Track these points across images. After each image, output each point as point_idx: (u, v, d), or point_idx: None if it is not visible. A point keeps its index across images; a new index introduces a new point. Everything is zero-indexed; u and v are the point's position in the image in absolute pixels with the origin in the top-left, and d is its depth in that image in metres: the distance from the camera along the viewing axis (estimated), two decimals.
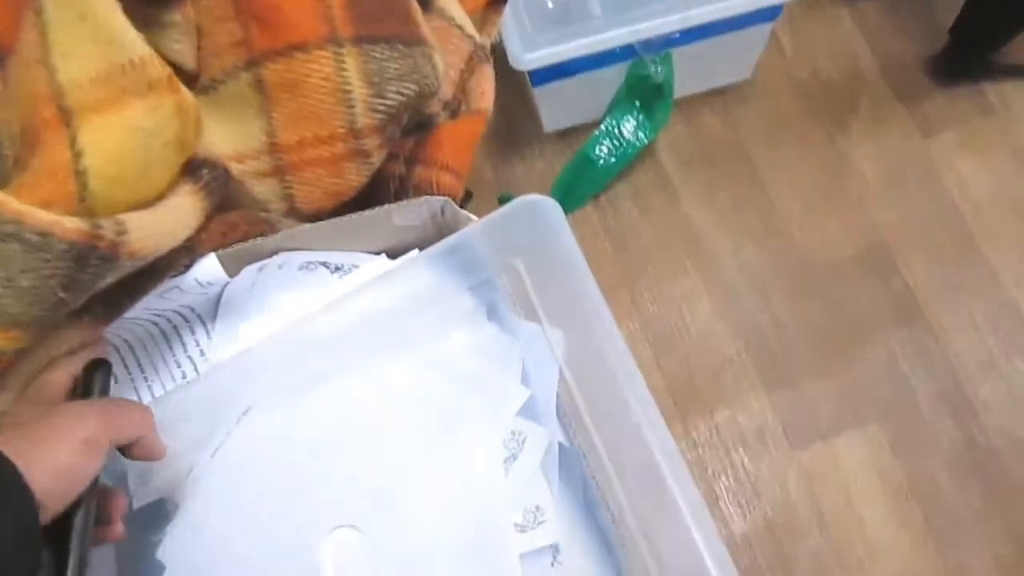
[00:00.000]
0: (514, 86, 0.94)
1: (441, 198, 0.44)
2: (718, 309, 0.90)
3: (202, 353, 0.48)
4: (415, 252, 0.46)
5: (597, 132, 0.89)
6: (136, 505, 0.45)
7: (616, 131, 0.89)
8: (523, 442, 0.41)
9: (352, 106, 0.46)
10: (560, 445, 0.41)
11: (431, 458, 0.42)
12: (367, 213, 0.43)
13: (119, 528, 0.38)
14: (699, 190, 0.94)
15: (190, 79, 0.49)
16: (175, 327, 0.46)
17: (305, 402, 0.44)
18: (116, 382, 0.47)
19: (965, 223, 0.91)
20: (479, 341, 0.43)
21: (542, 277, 0.42)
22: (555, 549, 0.40)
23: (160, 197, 0.41)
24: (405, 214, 0.44)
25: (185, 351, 0.48)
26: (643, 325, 0.90)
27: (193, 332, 0.47)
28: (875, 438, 0.86)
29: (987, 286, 0.89)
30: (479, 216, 0.44)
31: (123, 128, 0.40)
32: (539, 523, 0.40)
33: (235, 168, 0.47)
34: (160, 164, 0.43)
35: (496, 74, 0.80)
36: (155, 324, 0.45)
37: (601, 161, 0.90)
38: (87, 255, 0.36)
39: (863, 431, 0.86)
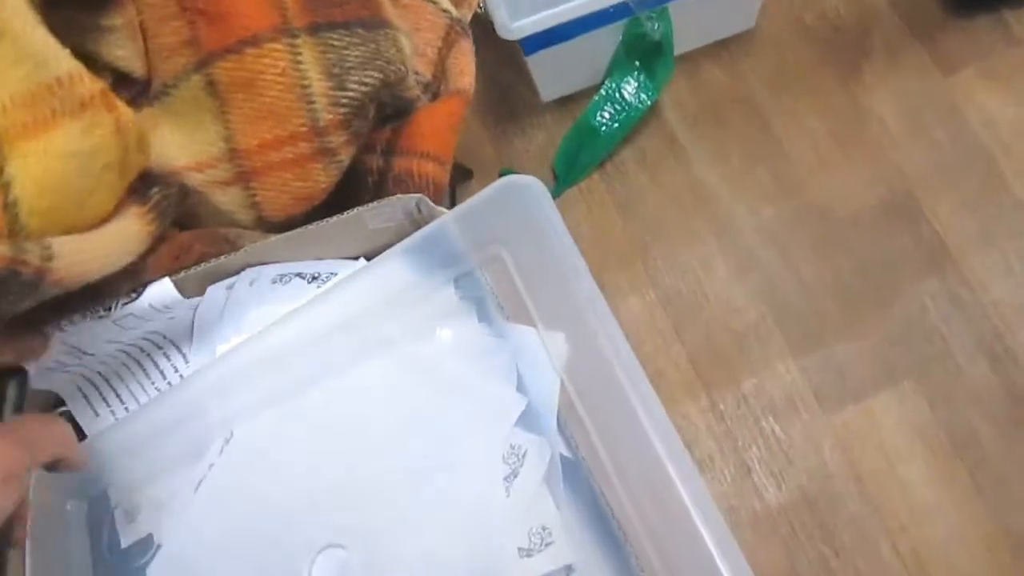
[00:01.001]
0: (507, 56, 0.90)
1: (415, 195, 0.41)
2: (737, 273, 0.86)
3: (182, 379, 0.45)
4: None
5: (597, 97, 0.85)
6: (124, 544, 0.42)
7: (617, 95, 0.85)
8: (523, 456, 0.38)
9: (312, 102, 0.43)
10: (563, 458, 0.38)
11: (423, 477, 0.39)
12: (335, 219, 0.40)
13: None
14: (708, 149, 0.89)
15: (142, 87, 0.45)
16: (148, 355, 0.43)
17: (287, 420, 0.41)
18: (97, 416, 0.45)
19: (994, 162, 0.86)
20: (467, 342, 0.40)
21: (531, 268, 0.39)
22: (569, 570, 0.37)
23: (104, 222, 0.38)
24: (377, 216, 0.41)
25: (164, 378, 0.45)
26: (659, 296, 0.86)
27: (169, 359, 0.44)
28: (911, 396, 0.81)
29: (1020, 227, 0.83)
30: None
31: (56, 153, 0.36)
32: (546, 545, 0.36)
33: (196, 179, 0.44)
34: (101, 189, 0.39)
35: (486, 45, 0.76)
36: (126, 354, 0.42)
37: (604, 128, 0.86)
38: (8, 281, 0.33)
39: (898, 390, 0.82)
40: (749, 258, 0.86)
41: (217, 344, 0.43)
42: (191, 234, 0.43)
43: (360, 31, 0.43)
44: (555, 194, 0.88)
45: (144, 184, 0.42)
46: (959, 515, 0.79)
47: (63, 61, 0.37)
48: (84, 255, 0.36)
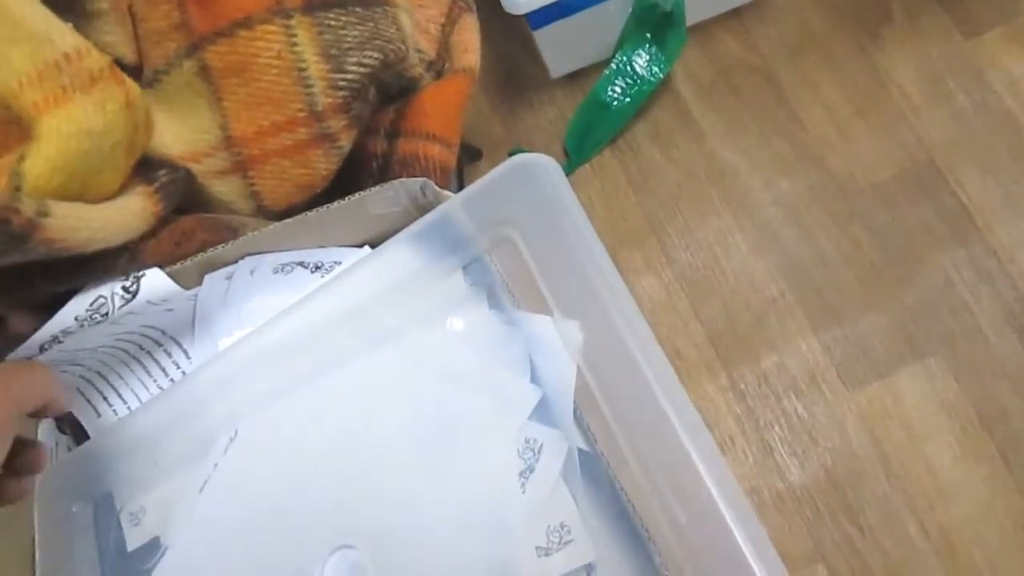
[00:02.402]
0: (514, 31, 0.87)
1: (419, 179, 0.39)
2: (755, 248, 0.84)
3: (184, 374, 0.44)
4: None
5: (607, 72, 0.83)
6: (130, 547, 0.41)
7: (628, 68, 0.83)
8: (539, 451, 0.36)
9: (310, 85, 0.41)
10: (580, 451, 0.36)
11: (435, 473, 0.37)
12: (336, 205, 0.38)
13: (25, 486, 0.35)
14: (723, 122, 0.87)
15: (133, 75, 0.43)
16: (147, 351, 0.42)
17: (294, 417, 0.39)
18: (100, 416, 0.43)
19: (1020, 128, 0.83)
20: (478, 332, 0.38)
21: (545, 252, 0.37)
22: (590, 568, 0.35)
23: (108, 200, 0.36)
24: (380, 201, 0.39)
25: (166, 375, 0.44)
26: (676, 274, 0.84)
27: (170, 354, 0.43)
28: (937, 371, 0.79)
29: None
30: None
31: (70, 133, 0.35)
32: (565, 543, 0.35)
33: (192, 169, 0.42)
34: (109, 169, 0.37)
35: (493, 20, 0.74)
36: (125, 351, 0.41)
37: (615, 102, 0.84)
38: None
39: (923, 364, 0.80)
40: (767, 233, 0.84)
41: (219, 338, 0.42)
42: (194, 219, 0.41)
43: (357, 9, 0.41)
44: (567, 172, 0.86)
45: (151, 166, 0.40)
46: (988, 492, 0.77)
47: (67, 36, 0.35)
48: (81, 221, 0.34)
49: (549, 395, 0.36)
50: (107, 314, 0.36)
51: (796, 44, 0.88)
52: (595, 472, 0.37)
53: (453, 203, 0.37)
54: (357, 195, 0.39)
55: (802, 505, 0.78)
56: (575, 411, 0.36)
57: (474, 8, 0.53)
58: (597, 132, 0.85)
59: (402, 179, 0.39)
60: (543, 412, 0.37)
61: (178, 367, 0.43)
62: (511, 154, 0.84)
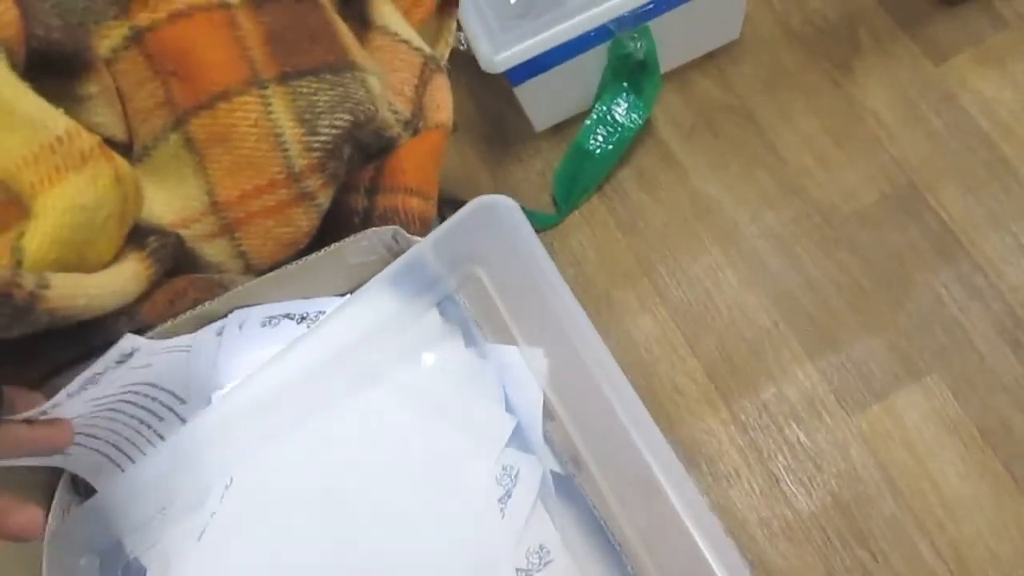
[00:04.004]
0: (498, 87, 0.91)
1: (391, 227, 0.41)
2: (746, 281, 0.86)
3: (183, 422, 0.46)
4: None
5: (589, 122, 0.86)
6: None
7: (608, 117, 0.86)
8: (516, 476, 0.38)
9: (286, 149, 0.44)
10: (554, 473, 0.38)
11: (423, 505, 0.39)
12: (314, 256, 0.41)
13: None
14: (706, 161, 0.89)
15: (123, 151, 0.47)
16: (140, 405, 0.44)
17: (285, 461, 0.41)
18: (105, 471, 0.45)
19: (996, 146, 0.85)
20: (454, 366, 0.40)
21: (508, 285, 0.39)
22: None
23: (104, 268, 0.39)
24: (357, 251, 0.41)
25: (162, 422, 0.46)
26: (670, 311, 0.86)
27: (160, 400, 0.45)
28: (935, 389, 0.80)
29: None
30: None
31: (64, 207, 0.38)
32: (545, 564, 0.36)
33: (183, 234, 0.45)
34: (103, 239, 0.40)
35: (476, 78, 0.78)
36: (114, 409, 0.43)
37: (598, 150, 0.86)
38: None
39: (921, 384, 0.80)
40: (756, 265, 0.86)
41: (213, 392, 0.44)
42: (186, 280, 0.44)
43: (328, 76, 0.44)
44: (557, 220, 0.89)
45: (142, 234, 0.43)
46: (997, 507, 0.77)
47: (59, 120, 0.38)
48: (79, 289, 0.37)
49: (521, 421, 0.38)
50: (98, 382, 0.38)
51: (770, 81, 0.91)
52: (570, 492, 0.38)
53: (423, 246, 0.39)
54: (334, 245, 0.42)
55: (812, 533, 0.79)
56: (545, 434, 0.38)
57: (444, 69, 0.56)
58: (583, 180, 0.88)
59: (375, 228, 0.42)
60: (518, 438, 0.38)
61: (171, 410, 0.44)
62: None
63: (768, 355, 0.83)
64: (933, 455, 0.79)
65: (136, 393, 0.42)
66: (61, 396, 0.36)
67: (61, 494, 0.45)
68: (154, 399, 0.43)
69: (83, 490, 0.46)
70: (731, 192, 0.88)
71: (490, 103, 0.95)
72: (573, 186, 0.88)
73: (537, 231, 0.86)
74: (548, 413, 0.38)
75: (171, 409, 0.44)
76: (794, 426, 0.81)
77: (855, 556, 0.77)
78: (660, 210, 0.89)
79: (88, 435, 0.41)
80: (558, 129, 0.92)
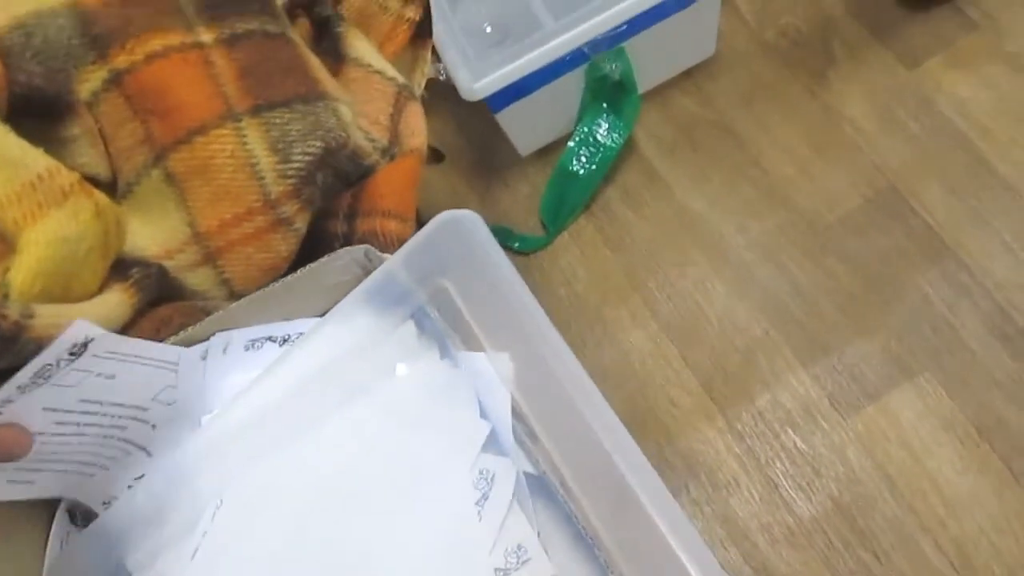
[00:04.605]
0: (482, 114, 0.92)
1: (362, 246, 0.43)
2: (735, 291, 0.87)
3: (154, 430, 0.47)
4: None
5: (571, 144, 0.88)
6: None
7: (590, 138, 0.88)
8: (492, 479, 0.39)
9: (262, 177, 0.45)
10: (528, 474, 0.39)
11: (405, 512, 0.40)
12: (290, 277, 0.42)
13: None
14: (689, 176, 0.91)
15: (108, 189, 0.49)
16: (116, 427, 0.45)
17: (273, 480, 0.42)
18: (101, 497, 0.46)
19: (973, 145, 0.86)
20: (429, 376, 0.42)
21: (473, 295, 0.41)
22: None
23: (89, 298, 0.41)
24: (332, 271, 0.43)
25: (132, 444, 0.46)
26: (662, 325, 0.87)
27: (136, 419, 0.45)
28: (928, 388, 0.81)
29: (1010, 203, 0.84)
30: None
31: (47, 241, 0.40)
32: (523, 562, 0.37)
33: (167, 265, 0.47)
34: (86, 271, 0.42)
35: (460, 107, 0.80)
36: (85, 435, 0.43)
37: (582, 171, 0.88)
38: None
39: (913, 383, 0.81)
40: (744, 275, 0.87)
41: (201, 415, 0.45)
42: (170, 307, 0.46)
43: (299, 106, 0.46)
44: (546, 242, 0.90)
45: (125, 265, 0.45)
46: (998, 502, 0.77)
47: (40, 159, 0.40)
48: (63, 318, 0.38)
49: (495, 426, 0.40)
50: (50, 376, 0.38)
51: (748, 95, 0.93)
52: (544, 491, 0.39)
53: (393, 262, 0.41)
54: (309, 266, 0.43)
55: (814, 537, 0.79)
56: (521, 437, 0.39)
57: (417, 96, 0.58)
58: (569, 201, 0.89)
59: (347, 248, 0.43)
60: (494, 442, 0.40)
61: (136, 419, 0.45)
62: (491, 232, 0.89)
63: (761, 363, 0.84)
64: (930, 454, 0.79)
65: (102, 415, 0.42)
66: (10, 389, 0.36)
67: (58, 524, 0.46)
68: (121, 416, 0.43)
69: (80, 519, 0.47)
70: (716, 205, 0.90)
71: (476, 132, 0.98)
72: (560, 208, 0.89)
73: (527, 253, 0.90)
74: (518, 415, 0.39)
75: (136, 419, 0.44)
76: (790, 432, 0.82)
77: (858, 558, 0.78)
78: (647, 226, 0.90)
79: (54, 460, 0.42)
80: (543, 153, 0.94)
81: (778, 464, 0.81)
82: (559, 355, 0.37)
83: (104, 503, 0.44)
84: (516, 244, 0.89)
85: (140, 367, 0.41)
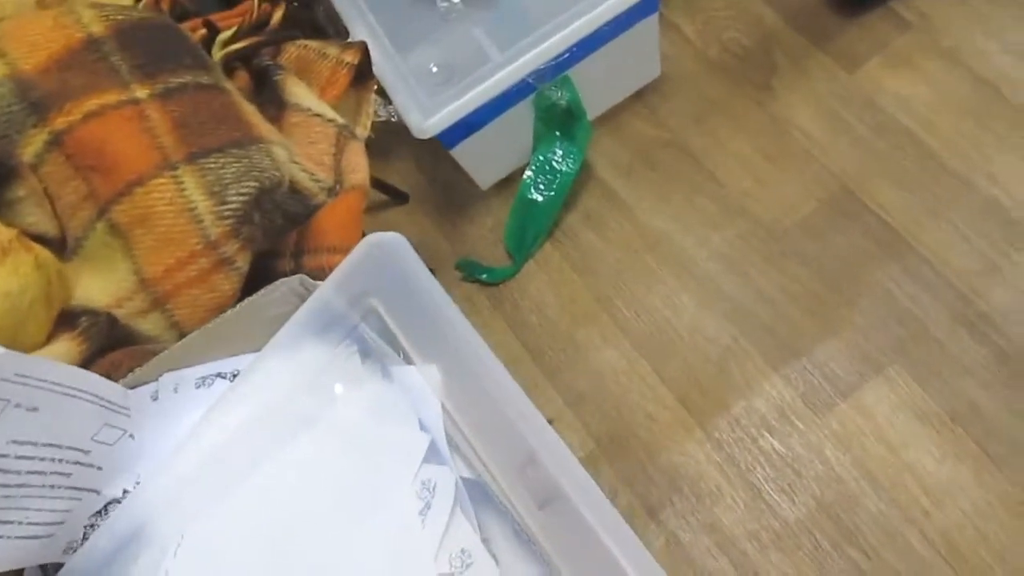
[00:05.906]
0: (442, 156, 0.95)
1: (296, 276, 0.45)
2: (702, 303, 0.88)
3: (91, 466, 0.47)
4: None
5: (529, 173, 0.90)
6: None
7: (547, 166, 0.90)
8: (434, 488, 0.40)
9: (201, 221, 0.47)
10: (465, 479, 0.40)
11: (355, 532, 0.41)
12: (230, 312, 0.44)
13: None
14: (648, 195, 0.93)
15: (57, 247, 0.50)
16: (58, 473, 0.45)
17: (231, 513, 0.43)
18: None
19: (920, 141, 0.88)
20: (369, 395, 0.43)
21: (400, 311, 0.42)
22: None
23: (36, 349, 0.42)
24: (271, 303, 0.44)
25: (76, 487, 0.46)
26: (633, 343, 0.88)
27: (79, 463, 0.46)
28: (899, 380, 0.82)
29: (962, 194, 0.85)
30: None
31: None
32: (467, 565, 0.38)
33: (118, 314, 0.48)
34: (32, 322, 0.44)
35: (419, 147, 0.82)
36: (25, 484, 0.43)
37: (541, 199, 0.90)
38: None
39: (884, 377, 0.82)
40: (710, 287, 0.88)
41: (156, 457, 0.46)
42: (121, 352, 0.47)
43: (233, 150, 0.48)
44: (513, 271, 0.92)
45: (74, 315, 0.47)
46: (979, 487, 0.78)
47: None
48: None
49: (433, 436, 0.41)
50: None
51: (699, 112, 0.95)
52: (483, 494, 0.40)
53: (325, 288, 0.42)
54: (246, 300, 0.45)
55: (801, 540, 0.79)
56: (456, 443, 0.40)
57: (358, 135, 0.60)
58: (532, 229, 0.91)
59: (282, 279, 0.45)
60: (433, 452, 0.41)
61: (125, 492, 0.46)
62: (458, 267, 0.91)
63: (733, 371, 0.85)
64: (907, 445, 0.80)
65: (39, 459, 0.41)
66: None
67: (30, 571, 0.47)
68: (61, 460, 0.43)
69: (51, 567, 0.48)
70: (676, 221, 0.91)
71: (437, 171, 1.00)
72: (524, 236, 0.91)
73: (496, 284, 0.91)
74: (451, 422, 0.40)
75: (79, 463, 0.44)
76: (768, 436, 0.82)
77: (847, 557, 0.78)
78: (611, 248, 0.92)
79: (4, 522, 0.41)
80: (504, 185, 0.96)
81: (759, 469, 0.82)
82: (483, 361, 0.38)
83: (65, 551, 0.45)
84: (484, 275, 0.91)
85: (68, 400, 0.41)
